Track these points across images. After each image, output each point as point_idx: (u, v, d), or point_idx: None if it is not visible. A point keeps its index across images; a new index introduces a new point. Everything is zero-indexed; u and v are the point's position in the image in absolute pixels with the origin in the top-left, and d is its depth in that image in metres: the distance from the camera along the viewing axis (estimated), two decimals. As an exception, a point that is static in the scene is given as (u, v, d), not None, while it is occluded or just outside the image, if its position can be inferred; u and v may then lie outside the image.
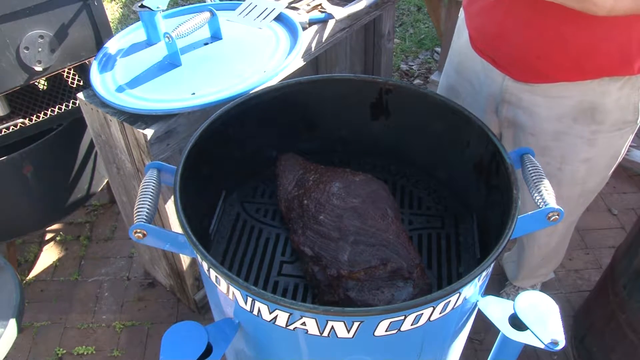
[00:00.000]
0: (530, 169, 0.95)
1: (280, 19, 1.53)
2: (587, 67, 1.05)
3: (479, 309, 0.89)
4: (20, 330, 1.10)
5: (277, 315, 0.79)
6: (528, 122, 1.19)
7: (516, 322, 0.84)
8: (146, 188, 0.93)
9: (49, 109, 1.69)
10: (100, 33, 1.64)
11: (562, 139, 1.18)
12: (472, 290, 0.84)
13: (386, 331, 0.79)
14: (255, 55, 1.39)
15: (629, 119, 1.14)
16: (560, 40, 1.02)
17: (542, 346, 0.81)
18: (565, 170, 1.22)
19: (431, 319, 0.80)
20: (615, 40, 0.99)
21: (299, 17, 1.55)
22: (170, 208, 1.41)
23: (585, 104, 1.11)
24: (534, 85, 1.13)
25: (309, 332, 0.79)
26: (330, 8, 1.61)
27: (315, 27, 1.54)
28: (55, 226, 2.11)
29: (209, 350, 0.81)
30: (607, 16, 0.89)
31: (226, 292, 0.83)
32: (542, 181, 0.91)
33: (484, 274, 0.83)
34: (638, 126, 1.17)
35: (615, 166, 1.27)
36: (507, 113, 1.22)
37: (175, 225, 1.45)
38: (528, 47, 1.07)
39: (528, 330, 0.82)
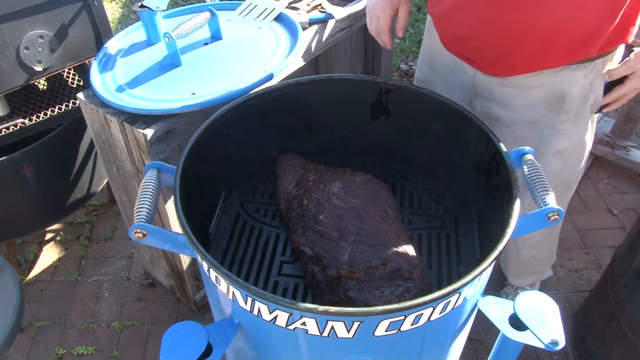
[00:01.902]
0: (530, 168, 0.95)
1: (280, 19, 1.53)
2: (552, 55, 1.07)
3: (479, 309, 0.89)
4: (20, 330, 1.10)
5: (277, 315, 0.79)
6: (502, 114, 1.21)
7: (516, 322, 0.84)
8: (146, 188, 0.93)
9: (49, 109, 1.69)
10: (100, 33, 1.64)
11: (535, 129, 1.20)
12: (472, 290, 0.84)
13: (386, 331, 0.79)
14: (255, 55, 1.39)
15: (593, 107, 1.17)
16: (522, 31, 1.04)
17: (542, 346, 0.81)
18: (540, 162, 1.22)
19: (431, 319, 0.80)
20: (574, 22, 1.01)
21: (299, 17, 1.55)
22: (170, 208, 1.41)
23: (554, 93, 1.14)
24: (505, 78, 1.15)
25: (309, 332, 0.80)
26: (330, 8, 1.61)
27: (315, 27, 1.54)
28: (55, 226, 2.11)
29: (209, 350, 0.81)
30: None
31: (226, 292, 0.83)
32: (542, 181, 0.91)
33: (484, 274, 0.83)
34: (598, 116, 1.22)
35: (586, 157, 1.29)
36: (481, 107, 1.24)
37: (175, 225, 1.45)
38: (495, 42, 1.09)
39: (528, 330, 0.82)
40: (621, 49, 1.14)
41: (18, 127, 1.62)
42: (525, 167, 0.97)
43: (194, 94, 1.26)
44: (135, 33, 1.54)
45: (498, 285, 1.83)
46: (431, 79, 1.35)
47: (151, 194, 0.92)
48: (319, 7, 1.62)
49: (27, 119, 1.64)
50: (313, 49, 1.52)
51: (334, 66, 1.86)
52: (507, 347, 0.90)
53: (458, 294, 0.80)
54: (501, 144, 0.98)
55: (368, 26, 1.27)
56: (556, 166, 1.26)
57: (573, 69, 1.10)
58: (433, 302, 0.76)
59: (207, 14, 1.41)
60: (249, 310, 0.82)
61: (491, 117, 1.23)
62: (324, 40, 1.56)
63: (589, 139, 1.26)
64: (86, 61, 1.68)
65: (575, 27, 1.02)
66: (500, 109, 1.21)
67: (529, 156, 0.99)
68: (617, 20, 1.01)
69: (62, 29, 1.55)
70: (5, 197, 1.69)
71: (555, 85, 1.13)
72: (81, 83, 1.79)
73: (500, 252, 0.81)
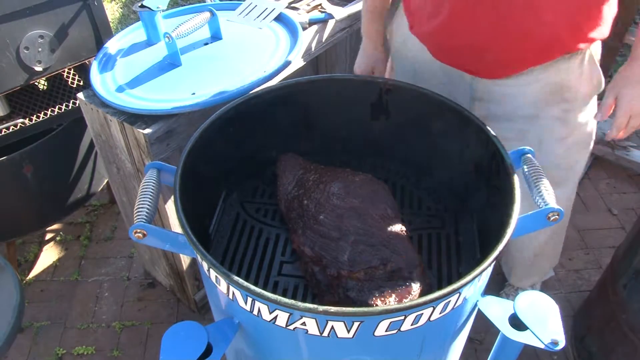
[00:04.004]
0: (530, 169, 0.95)
1: (280, 19, 1.53)
2: (545, 48, 1.08)
3: (479, 309, 0.89)
4: (20, 330, 1.10)
5: (277, 315, 0.79)
6: (502, 112, 1.21)
7: (516, 322, 0.84)
8: (146, 188, 0.93)
9: (49, 109, 1.69)
10: (100, 33, 1.64)
11: (537, 122, 1.20)
12: (472, 290, 0.84)
13: (386, 331, 0.79)
14: (255, 55, 1.39)
15: (594, 92, 1.18)
16: (513, 30, 1.06)
17: (542, 346, 0.81)
18: (544, 151, 1.23)
19: (431, 319, 0.80)
20: (561, 13, 1.03)
21: (299, 17, 1.55)
22: (170, 208, 1.41)
23: (553, 85, 1.14)
24: (503, 79, 1.16)
25: (309, 332, 0.80)
26: (330, 8, 1.61)
27: (315, 27, 1.54)
28: (55, 226, 2.11)
29: (209, 350, 0.81)
30: None
31: (226, 292, 0.83)
32: (542, 181, 0.91)
33: (484, 274, 0.83)
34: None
35: (592, 144, 1.29)
36: (479, 110, 1.24)
37: (175, 225, 1.45)
38: (489, 48, 1.10)
39: (528, 330, 0.82)
40: None
41: (18, 127, 1.62)
42: (525, 167, 0.97)
43: (194, 94, 1.26)
44: (135, 33, 1.54)
45: (498, 285, 1.83)
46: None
47: (151, 194, 0.92)
48: (319, 7, 1.62)
49: (27, 119, 1.64)
50: (313, 49, 1.52)
51: (334, 66, 1.86)
52: (507, 347, 0.90)
53: (458, 294, 0.80)
54: (501, 144, 0.98)
55: None
56: (561, 154, 1.25)
57: (567, 59, 1.11)
58: (433, 302, 0.76)
59: (207, 14, 1.41)
60: (249, 310, 0.82)
61: (490, 116, 1.23)
62: (324, 40, 1.56)
63: (594, 125, 1.25)
64: (86, 61, 1.68)
65: (563, 19, 1.04)
66: (500, 107, 1.21)
67: (529, 156, 0.99)
68: (584, 19, 1.05)
69: (62, 29, 1.55)
70: (5, 197, 1.69)
71: (552, 78, 1.13)
72: (81, 83, 1.79)
73: (500, 252, 0.81)
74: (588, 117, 1.22)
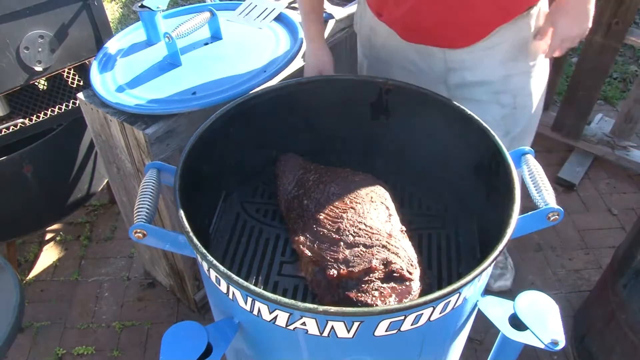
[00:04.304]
0: (530, 168, 0.95)
1: (280, 19, 1.53)
2: (509, 6, 1.18)
3: (479, 309, 0.89)
4: (20, 330, 1.10)
5: (277, 315, 0.79)
6: (476, 77, 1.28)
7: (516, 322, 0.84)
8: (146, 188, 0.93)
9: (49, 109, 1.69)
10: (100, 33, 1.65)
11: (510, 81, 1.28)
12: (472, 291, 0.84)
13: (386, 331, 0.79)
14: (255, 55, 1.39)
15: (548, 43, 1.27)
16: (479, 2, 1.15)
17: (542, 346, 0.81)
18: (519, 106, 1.33)
19: (431, 319, 0.80)
20: None
21: (299, 17, 1.55)
22: (170, 208, 1.41)
23: (518, 42, 1.23)
24: (474, 45, 1.22)
25: (309, 332, 0.80)
26: (330, 8, 1.61)
27: (315, 27, 1.54)
28: (55, 226, 2.11)
29: (209, 350, 0.81)
30: None
31: (226, 292, 0.83)
32: (542, 181, 0.91)
33: (484, 274, 0.83)
34: None
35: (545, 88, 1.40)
36: (454, 79, 1.30)
37: (175, 225, 1.45)
38: (459, 20, 1.18)
39: (528, 330, 0.82)
40: None
41: (18, 127, 1.62)
42: (525, 167, 0.97)
43: (194, 94, 1.26)
44: (135, 33, 1.54)
45: (498, 285, 1.83)
46: (390, 74, 1.36)
47: (151, 194, 0.92)
48: (319, 7, 1.62)
49: (27, 119, 1.64)
50: (313, 49, 1.52)
51: (334, 66, 1.86)
52: (507, 347, 0.90)
53: (458, 294, 0.80)
54: (501, 144, 0.98)
55: None
56: (532, 105, 1.35)
57: (525, 16, 1.20)
58: (433, 302, 0.76)
59: (207, 14, 1.41)
60: (249, 310, 0.82)
61: (466, 83, 1.30)
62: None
63: (548, 66, 1.36)
64: (86, 61, 1.68)
65: None
66: (474, 73, 1.27)
67: (529, 156, 0.99)
68: None
69: (62, 29, 1.55)
70: (5, 197, 1.69)
71: (517, 35, 1.22)
72: (81, 83, 1.79)
73: (500, 252, 0.81)
74: (546, 65, 1.33)
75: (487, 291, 1.53)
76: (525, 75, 1.29)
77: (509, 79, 1.28)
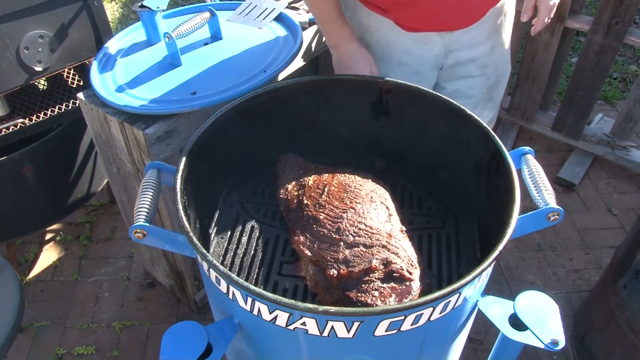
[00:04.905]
0: (530, 168, 0.95)
1: (280, 19, 1.53)
2: None
3: (479, 309, 0.89)
4: (20, 330, 1.10)
5: (277, 315, 0.79)
6: (469, 55, 1.34)
7: (516, 322, 0.84)
8: (146, 188, 0.93)
9: (49, 109, 1.69)
10: (100, 33, 1.64)
11: (494, 53, 1.36)
12: (472, 291, 0.84)
13: (386, 331, 0.79)
14: (255, 55, 1.39)
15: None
16: None
17: (542, 346, 0.81)
18: (501, 73, 1.42)
19: (431, 319, 0.80)
20: None
21: (299, 17, 1.55)
22: (170, 208, 1.41)
23: (499, 14, 1.31)
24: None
25: (309, 332, 0.80)
26: (330, 8, 1.61)
27: (315, 27, 1.54)
28: (55, 226, 2.11)
29: (209, 350, 0.81)
30: None
31: (226, 292, 0.83)
32: (542, 181, 0.91)
33: (484, 274, 0.83)
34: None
35: None
36: (451, 60, 1.36)
37: (175, 225, 1.45)
38: (465, 5, 1.24)
39: (528, 330, 0.82)
40: None
41: (18, 127, 1.62)
42: (525, 167, 0.97)
43: (194, 94, 1.26)
44: (135, 33, 1.54)
45: (498, 285, 1.83)
46: (387, 70, 1.37)
47: (151, 194, 0.92)
48: (319, 7, 1.62)
49: (27, 119, 1.64)
50: (313, 49, 1.52)
51: (334, 66, 1.86)
52: (507, 347, 0.90)
53: (458, 294, 0.80)
54: (501, 144, 0.98)
55: None
56: (508, 71, 1.45)
57: None
58: (433, 302, 0.76)
59: (207, 14, 1.41)
60: (249, 310, 0.82)
61: (460, 63, 1.36)
62: (324, 40, 1.56)
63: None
64: (86, 61, 1.68)
65: None
66: (468, 52, 1.34)
67: (529, 156, 0.99)
68: None
69: (62, 29, 1.55)
70: (5, 198, 1.69)
71: (498, 9, 1.30)
72: (81, 83, 1.79)
73: (500, 252, 0.81)
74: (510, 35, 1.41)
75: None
76: (504, 46, 1.38)
77: (493, 51, 1.36)
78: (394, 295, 0.90)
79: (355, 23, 1.36)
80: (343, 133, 1.26)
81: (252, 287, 0.76)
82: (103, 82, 1.34)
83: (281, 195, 1.15)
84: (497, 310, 0.86)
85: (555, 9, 1.25)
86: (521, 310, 0.83)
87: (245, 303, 0.81)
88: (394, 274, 0.92)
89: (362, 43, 1.36)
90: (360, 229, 0.98)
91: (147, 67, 1.37)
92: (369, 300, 0.90)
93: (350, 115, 1.22)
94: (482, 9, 1.28)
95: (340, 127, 1.25)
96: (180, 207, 0.88)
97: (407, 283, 0.92)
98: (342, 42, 1.28)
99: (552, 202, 0.87)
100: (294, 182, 1.15)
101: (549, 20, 1.26)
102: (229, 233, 1.14)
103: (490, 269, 0.85)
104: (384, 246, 0.95)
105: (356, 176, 1.11)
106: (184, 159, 0.97)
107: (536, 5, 1.21)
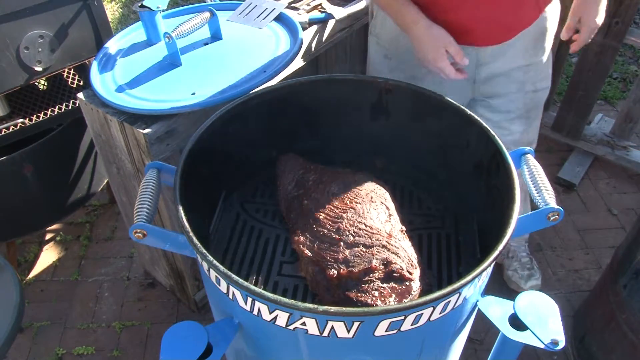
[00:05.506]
0: (530, 168, 0.95)
1: (280, 19, 1.53)
2: (542, 3, 1.25)
3: (479, 309, 0.89)
4: (20, 330, 1.10)
5: (277, 315, 0.79)
6: (503, 68, 1.33)
7: (516, 322, 0.84)
8: (146, 188, 0.93)
9: (49, 109, 1.69)
10: (100, 33, 1.64)
11: (531, 68, 1.34)
12: (472, 291, 0.84)
13: (386, 331, 0.79)
14: (255, 55, 1.39)
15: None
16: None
17: (542, 346, 0.81)
18: (539, 89, 1.40)
19: (431, 319, 0.80)
20: None
21: (299, 17, 1.55)
22: (170, 208, 1.41)
23: (539, 32, 1.30)
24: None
25: (309, 332, 0.80)
26: (330, 8, 1.61)
27: (315, 27, 1.54)
28: (55, 226, 2.11)
29: (209, 350, 0.81)
30: None
31: (226, 292, 0.83)
32: (542, 181, 0.91)
33: (484, 274, 0.83)
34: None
35: None
36: (483, 73, 1.34)
37: (175, 225, 1.45)
38: (506, 19, 1.23)
39: (528, 330, 0.82)
40: None
41: (18, 127, 1.62)
42: (525, 167, 0.97)
43: (194, 94, 1.26)
44: (135, 33, 1.54)
45: (498, 285, 1.83)
46: (416, 73, 1.35)
47: (151, 194, 0.92)
48: (319, 7, 1.62)
49: (27, 119, 1.64)
50: (313, 49, 1.52)
51: (334, 66, 1.86)
52: (507, 347, 0.90)
53: (458, 294, 0.80)
54: (501, 144, 0.98)
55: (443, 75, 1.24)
56: (548, 87, 1.42)
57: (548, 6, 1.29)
58: (433, 302, 0.76)
59: (207, 14, 1.41)
60: (249, 310, 0.82)
61: (493, 76, 1.34)
62: (324, 40, 1.56)
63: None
64: (86, 61, 1.67)
65: None
66: (500, 65, 1.32)
67: (529, 156, 0.99)
68: None
69: (62, 29, 1.55)
70: (5, 198, 1.69)
71: (539, 26, 1.29)
72: (81, 83, 1.79)
73: (500, 252, 0.81)
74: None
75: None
76: (544, 62, 1.36)
77: (529, 67, 1.33)
78: (394, 295, 0.90)
79: (389, 27, 1.33)
80: (343, 133, 1.26)
81: (252, 287, 0.76)
82: (103, 82, 1.34)
83: (281, 195, 1.15)
84: (497, 310, 0.86)
85: (597, 30, 1.25)
86: (521, 310, 0.83)
87: (245, 303, 0.81)
88: (394, 274, 0.92)
89: (395, 47, 1.35)
90: (360, 229, 0.98)
91: (147, 67, 1.37)
92: (369, 300, 0.90)
93: (350, 115, 1.22)
94: (517, 27, 1.26)
95: (340, 127, 1.25)
96: (180, 207, 0.88)
97: (407, 283, 0.92)
98: (409, 23, 1.21)
99: (552, 202, 0.87)
100: (294, 182, 1.15)
101: (590, 40, 1.26)
102: (229, 233, 1.14)
103: (490, 269, 0.85)
104: (384, 246, 0.95)
105: (356, 176, 1.11)
106: (184, 159, 0.97)
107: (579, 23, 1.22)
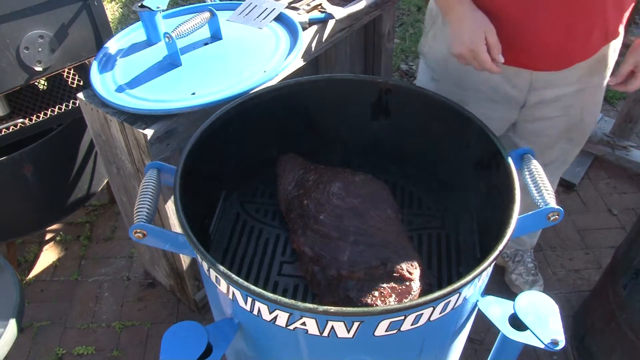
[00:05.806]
0: (530, 168, 0.95)
1: (280, 19, 1.53)
2: (610, 31, 1.18)
3: (479, 309, 0.89)
4: (20, 330, 1.10)
5: (277, 315, 0.79)
6: (554, 94, 1.28)
7: (516, 322, 0.84)
8: (146, 188, 0.93)
9: (49, 109, 1.69)
10: (100, 33, 1.64)
11: (582, 94, 1.29)
12: (472, 291, 0.84)
13: (386, 331, 0.79)
14: (255, 55, 1.39)
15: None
16: (585, 28, 1.13)
17: (542, 346, 0.81)
18: (586, 118, 1.35)
19: (431, 319, 0.80)
20: (616, 3, 1.14)
21: (299, 17, 1.55)
22: (170, 208, 1.41)
23: (597, 59, 1.24)
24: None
25: (309, 332, 0.80)
26: (330, 8, 1.61)
27: (315, 27, 1.54)
28: (55, 226, 2.11)
29: (209, 350, 0.81)
30: None
31: (226, 292, 0.83)
32: (542, 181, 0.91)
33: (484, 274, 0.83)
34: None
35: None
36: (534, 98, 1.29)
37: (175, 225, 1.45)
38: (566, 47, 1.16)
39: (528, 330, 0.82)
40: None
41: (18, 127, 1.62)
42: (525, 167, 0.97)
43: (194, 94, 1.26)
44: (135, 33, 1.54)
45: (498, 285, 1.83)
46: (463, 97, 1.28)
47: (151, 194, 0.92)
48: (319, 7, 1.62)
49: (27, 119, 1.64)
50: (313, 49, 1.52)
51: (334, 66, 1.86)
52: (507, 347, 0.90)
53: (458, 294, 0.80)
54: (502, 144, 0.98)
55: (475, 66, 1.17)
56: (596, 115, 1.39)
57: None
58: (433, 302, 0.76)
59: (207, 14, 1.41)
60: (249, 310, 0.82)
61: (543, 102, 1.30)
62: (324, 40, 1.56)
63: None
64: (86, 61, 1.67)
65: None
66: (553, 91, 1.27)
67: (529, 156, 0.99)
68: None
69: (62, 29, 1.55)
70: (5, 197, 1.69)
71: (599, 53, 1.23)
72: (81, 83, 1.79)
73: (500, 252, 0.81)
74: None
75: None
76: (597, 89, 1.31)
77: (581, 93, 1.29)
78: (394, 295, 0.90)
79: (441, 46, 1.28)
80: (343, 133, 1.26)
81: (252, 287, 0.76)
82: (103, 82, 1.34)
83: (281, 195, 1.15)
84: (497, 310, 0.86)
85: None
86: (521, 310, 0.83)
87: (245, 303, 0.81)
88: (394, 274, 0.92)
89: (444, 66, 1.30)
90: (360, 228, 0.98)
91: (147, 67, 1.37)
92: (369, 300, 0.90)
93: (350, 115, 1.22)
94: (581, 56, 1.20)
95: (340, 127, 1.25)
96: (180, 207, 0.88)
97: (407, 283, 0.92)
98: (454, 3, 1.13)
99: (552, 202, 0.87)
100: (294, 182, 1.15)
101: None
102: (229, 233, 1.14)
103: (490, 269, 0.85)
104: (383, 246, 0.95)
105: (356, 176, 1.11)
106: (184, 159, 0.97)
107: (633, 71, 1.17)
